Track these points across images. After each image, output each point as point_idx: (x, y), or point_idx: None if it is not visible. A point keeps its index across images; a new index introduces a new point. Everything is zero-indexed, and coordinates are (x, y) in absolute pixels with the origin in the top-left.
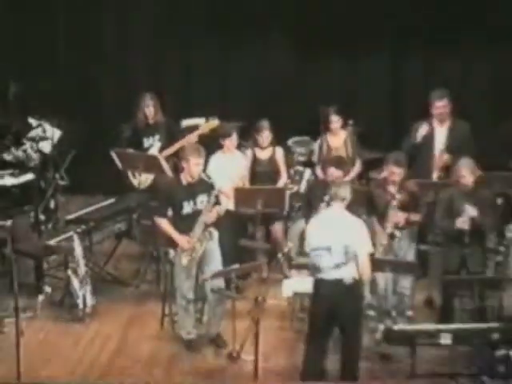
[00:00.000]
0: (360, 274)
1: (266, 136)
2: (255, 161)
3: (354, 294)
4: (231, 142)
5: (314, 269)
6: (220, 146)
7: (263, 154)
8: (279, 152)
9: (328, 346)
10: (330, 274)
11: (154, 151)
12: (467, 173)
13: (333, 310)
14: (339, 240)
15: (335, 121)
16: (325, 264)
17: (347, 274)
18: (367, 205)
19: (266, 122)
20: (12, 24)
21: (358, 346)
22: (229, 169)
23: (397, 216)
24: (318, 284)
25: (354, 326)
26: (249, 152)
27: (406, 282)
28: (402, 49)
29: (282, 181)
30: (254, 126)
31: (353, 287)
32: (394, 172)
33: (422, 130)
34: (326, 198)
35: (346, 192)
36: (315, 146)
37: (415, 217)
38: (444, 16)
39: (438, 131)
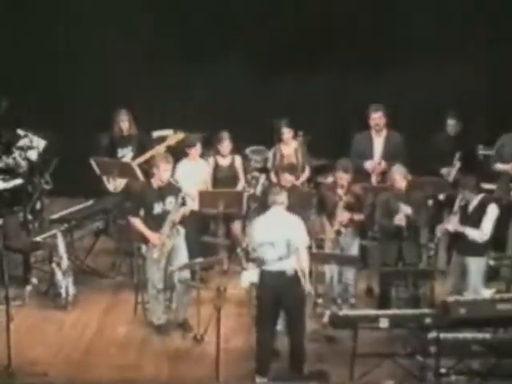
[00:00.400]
0: (300, 264)
1: (226, 145)
2: (217, 167)
3: (295, 283)
4: (195, 150)
5: (259, 261)
6: (186, 155)
7: (224, 162)
8: (238, 160)
9: (275, 330)
10: (273, 266)
11: (128, 159)
12: (400, 177)
13: (277, 298)
14: (281, 236)
15: (286, 132)
16: (269, 257)
17: (289, 266)
18: (318, 205)
19: (226, 133)
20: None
21: (302, 330)
22: (193, 174)
23: (343, 215)
24: (264, 275)
25: (297, 312)
26: (211, 159)
27: (350, 274)
28: (345, 66)
29: (241, 185)
30: (216, 137)
31: (294, 278)
32: (341, 177)
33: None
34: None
35: (282, 198)
36: (270, 154)
37: (359, 216)
38: (380, 37)
39: (375, 141)
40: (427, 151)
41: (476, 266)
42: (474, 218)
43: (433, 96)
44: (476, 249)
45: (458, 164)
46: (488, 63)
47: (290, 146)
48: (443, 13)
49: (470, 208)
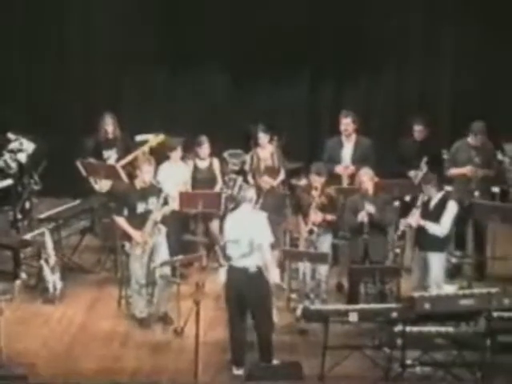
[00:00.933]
0: (264, 261)
1: (204, 149)
2: (196, 169)
3: (257, 280)
4: (176, 154)
5: (227, 258)
6: (167, 158)
7: (203, 164)
8: (216, 162)
9: (245, 324)
10: (237, 263)
11: (111, 161)
12: (366, 179)
13: (241, 294)
14: (245, 234)
15: (263, 137)
16: (233, 254)
17: (251, 263)
18: (294, 206)
19: (205, 138)
20: None
21: (268, 324)
22: (174, 176)
23: (316, 216)
24: (230, 271)
25: (262, 307)
26: (191, 162)
27: (322, 270)
28: (317, 75)
29: (218, 186)
30: (195, 141)
31: (256, 274)
32: (315, 180)
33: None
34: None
35: (252, 194)
36: (247, 157)
37: (331, 217)
38: (351, 45)
39: (345, 146)
40: (396, 155)
41: (437, 260)
42: (435, 214)
43: (400, 103)
44: (436, 244)
45: (424, 168)
46: (454, 71)
47: (266, 150)
48: (413, 23)
49: (432, 204)
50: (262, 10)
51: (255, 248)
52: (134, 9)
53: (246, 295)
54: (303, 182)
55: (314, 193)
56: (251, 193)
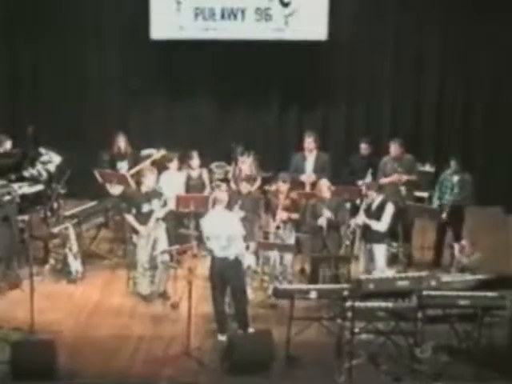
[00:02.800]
0: (239, 250)
1: (195, 161)
2: (189, 178)
3: (235, 266)
4: (173, 165)
5: (209, 250)
6: (166, 168)
7: (194, 174)
8: (205, 172)
9: (224, 299)
10: (219, 254)
11: (123, 171)
12: (325, 188)
13: (222, 276)
14: (223, 231)
15: (240, 158)
16: (215, 247)
17: (230, 253)
18: (265, 207)
19: (195, 152)
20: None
21: (243, 299)
22: (172, 183)
23: (282, 215)
24: (212, 261)
25: (239, 286)
26: (184, 172)
27: (288, 258)
28: (285, 100)
29: (207, 191)
30: (188, 155)
31: (234, 262)
32: (281, 186)
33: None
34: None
35: (225, 196)
36: (231, 168)
37: (295, 215)
38: (313, 78)
39: (308, 159)
40: (346, 168)
41: (379, 250)
42: (376, 213)
43: (350, 126)
44: (378, 237)
45: (369, 177)
46: (392, 100)
47: (246, 163)
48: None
49: (374, 206)
50: (241, 55)
51: (232, 241)
52: (137, 53)
53: (227, 278)
54: (273, 187)
55: (281, 196)
56: (224, 195)
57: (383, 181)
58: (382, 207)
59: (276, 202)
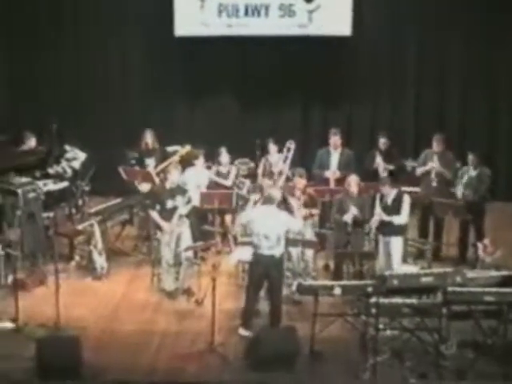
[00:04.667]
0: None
1: (224, 157)
2: (218, 174)
3: (279, 264)
4: (199, 162)
5: (255, 246)
6: (192, 165)
7: (223, 170)
8: (234, 169)
9: (259, 295)
10: (266, 251)
11: (151, 168)
12: (354, 184)
13: (266, 273)
14: (274, 231)
15: (272, 146)
16: (263, 245)
17: (277, 252)
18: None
19: (224, 148)
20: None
21: (280, 297)
22: (197, 179)
23: (300, 211)
24: (257, 257)
25: (278, 284)
26: (213, 168)
27: (309, 254)
28: (309, 97)
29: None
30: (216, 151)
31: (280, 260)
32: (299, 182)
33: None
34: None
35: (278, 195)
36: (260, 164)
37: (314, 211)
38: (336, 78)
39: (333, 155)
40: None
41: (397, 243)
42: (393, 208)
43: (375, 124)
44: (397, 230)
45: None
46: (415, 101)
47: (275, 157)
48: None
49: (389, 201)
50: (265, 52)
51: (280, 240)
52: (161, 50)
53: (270, 274)
54: (290, 183)
55: (297, 192)
56: (278, 193)
57: (420, 170)
58: (397, 200)
59: (293, 197)
